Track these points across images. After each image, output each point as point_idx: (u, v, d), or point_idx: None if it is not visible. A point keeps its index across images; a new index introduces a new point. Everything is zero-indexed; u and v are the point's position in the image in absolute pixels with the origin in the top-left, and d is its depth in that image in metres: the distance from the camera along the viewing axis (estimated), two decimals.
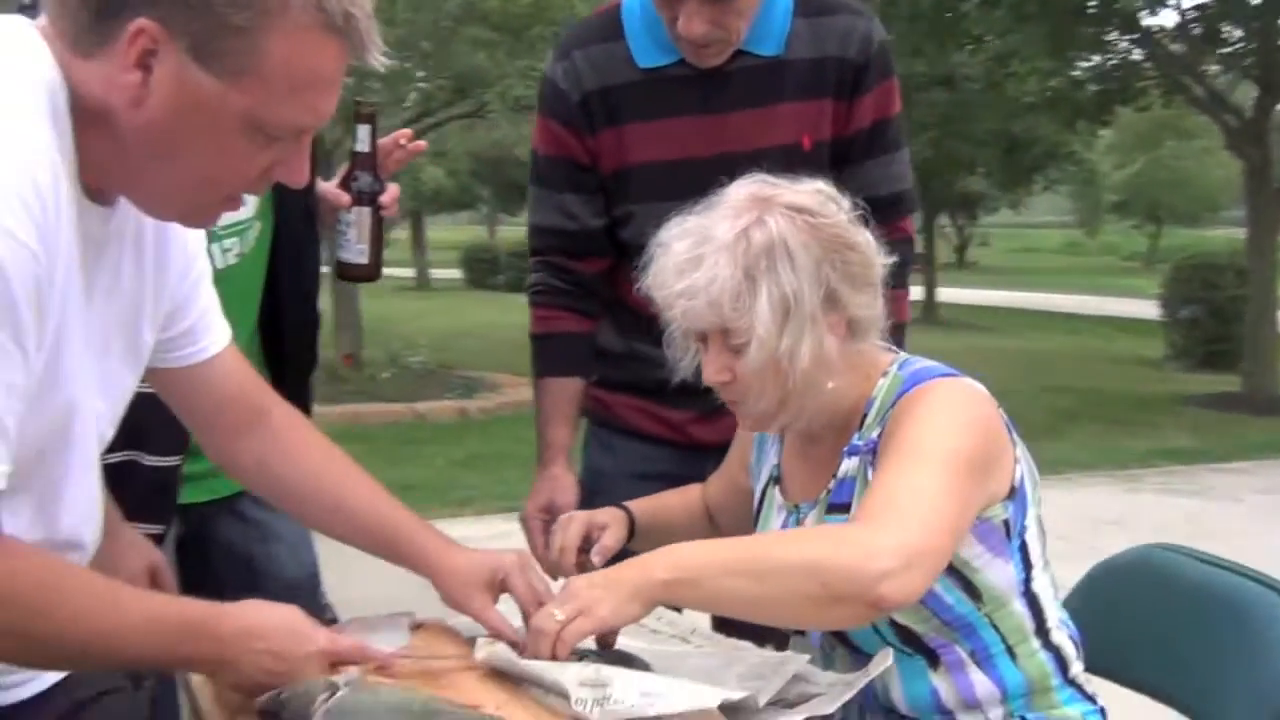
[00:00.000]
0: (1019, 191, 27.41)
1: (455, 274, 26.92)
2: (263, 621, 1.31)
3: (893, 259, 1.61)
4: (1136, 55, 12.12)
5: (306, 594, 1.97)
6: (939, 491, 1.42)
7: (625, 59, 2.04)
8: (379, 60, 1.18)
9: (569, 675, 1.34)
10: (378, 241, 1.96)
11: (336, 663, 1.34)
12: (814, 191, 1.57)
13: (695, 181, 1.95)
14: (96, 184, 1.19)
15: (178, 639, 1.24)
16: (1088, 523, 6.06)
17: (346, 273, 1.97)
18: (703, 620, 1.78)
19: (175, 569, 1.85)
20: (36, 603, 1.14)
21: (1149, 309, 16.74)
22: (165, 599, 1.34)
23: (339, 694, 1.28)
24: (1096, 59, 12.80)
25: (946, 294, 21.83)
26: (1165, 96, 12.39)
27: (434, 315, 16.46)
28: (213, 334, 1.47)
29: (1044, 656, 1.60)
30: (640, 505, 1.86)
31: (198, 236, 1.43)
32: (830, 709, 1.38)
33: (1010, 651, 1.58)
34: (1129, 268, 40.17)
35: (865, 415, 1.59)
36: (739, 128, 2.02)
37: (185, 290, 1.42)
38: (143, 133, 1.13)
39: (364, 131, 1.93)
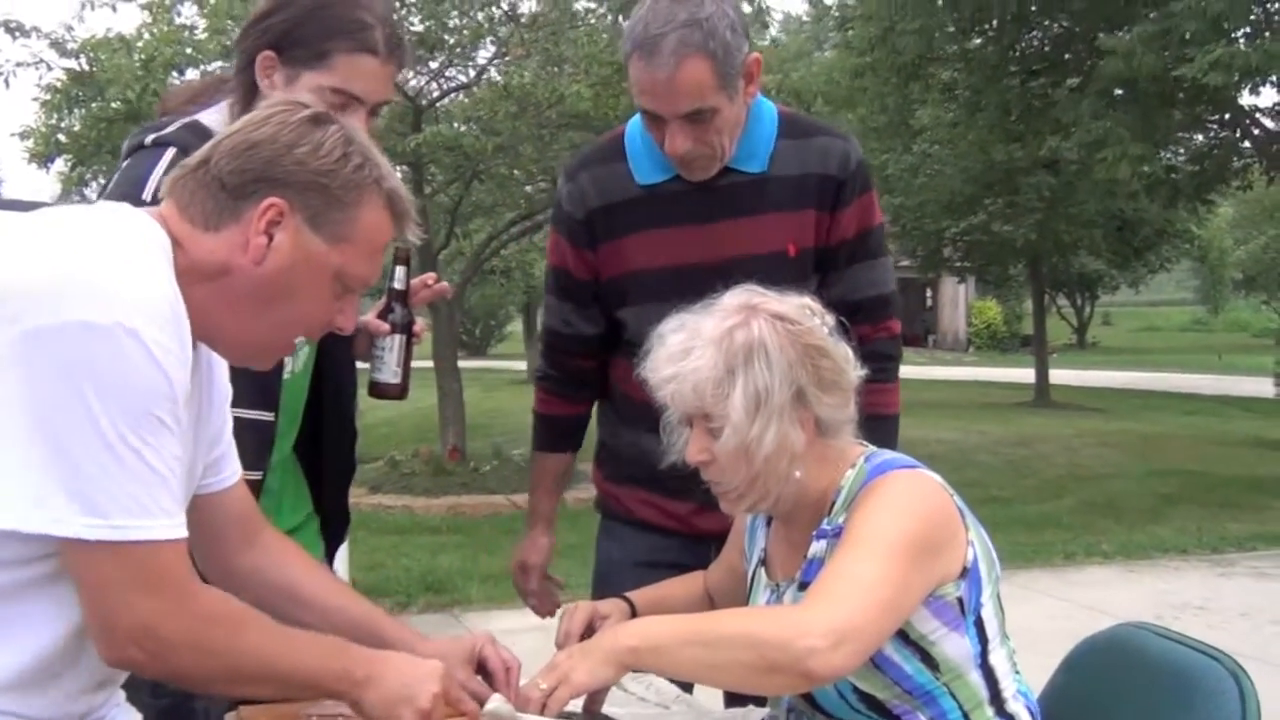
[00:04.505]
0: (1137, 270, 27.07)
1: None
2: (385, 653, 1.63)
3: (862, 373, 1.81)
4: (1234, 134, 12.03)
5: None
6: (875, 575, 1.60)
7: (626, 177, 2.27)
8: (417, 235, 1.60)
9: None
10: (408, 365, 2.23)
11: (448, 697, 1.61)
12: (799, 305, 1.78)
13: (689, 285, 2.17)
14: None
15: (335, 653, 1.55)
16: (1171, 608, 6.01)
17: (380, 391, 2.22)
18: (701, 693, 1.97)
19: None
20: (234, 623, 1.46)
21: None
22: (313, 631, 1.62)
23: None
24: (1200, 138, 12.76)
25: (1062, 375, 21.51)
26: (1267, 174, 12.26)
27: None
28: (232, 465, 1.76)
29: None
30: (642, 596, 2.05)
31: (228, 384, 1.73)
32: None
33: (966, 719, 1.73)
34: (1261, 345, 39.01)
35: (834, 503, 1.78)
36: (728, 236, 2.22)
37: (220, 424, 1.71)
38: (257, 283, 1.48)
39: (401, 271, 2.22)
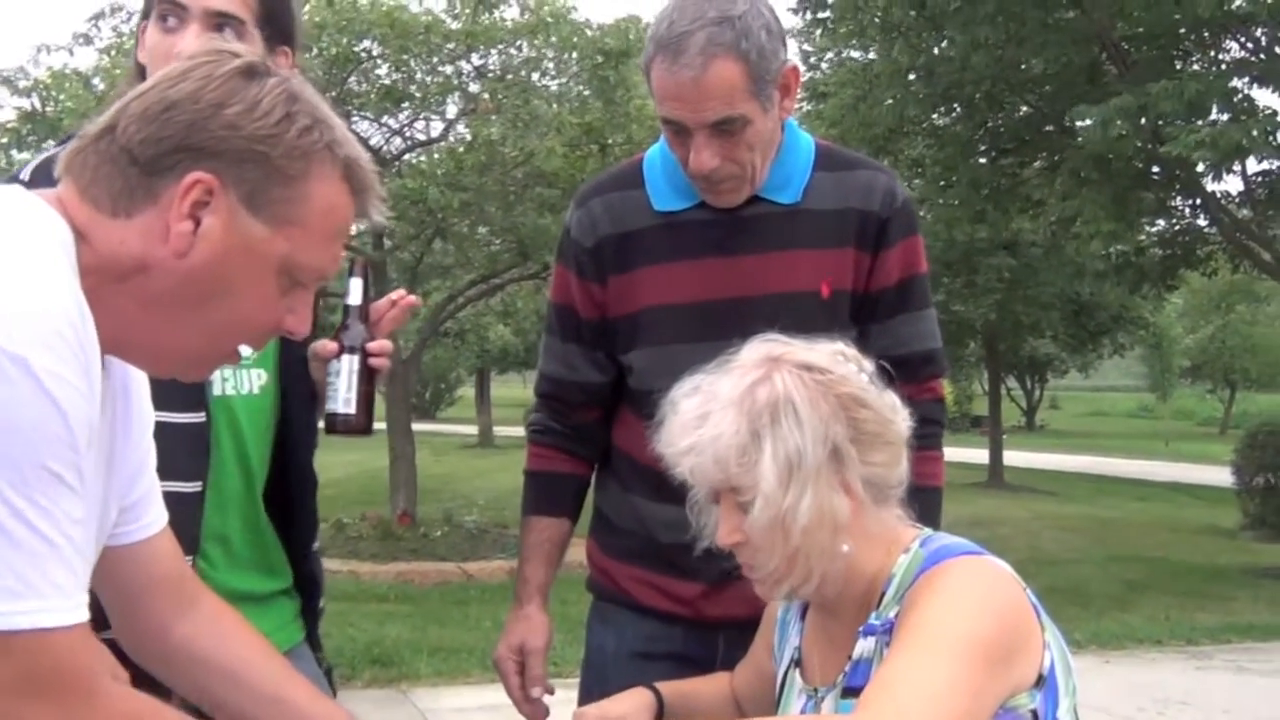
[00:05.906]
0: (1088, 355, 27.32)
1: (520, 431, 27.04)
2: None
3: (913, 424, 1.55)
4: (1201, 220, 12.09)
5: None
6: (945, 683, 1.33)
7: (643, 204, 2.02)
8: (382, 213, 1.27)
9: None
10: (367, 393, 1.88)
11: None
12: (829, 352, 1.53)
13: (708, 325, 1.92)
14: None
15: None
16: (1154, 702, 5.83)
17: (335, 426, 1.88)
18: None
19: None
20: None
21: (1223, 476, 16.38)
22: None
23: None
24: (1161, 224, 12.82)
25: (1013, 457, 21.51)
26: (1232, 261, 12.31)
27: (495, 473, 16.54)
28: (155, 510, 1.44)
29: None
30: (670, 686, 1.78)
31: (150, 409, 1.42)
32: None
33: None
34: (1205, 433, 39.49)
35: (884, 593, 1.52)
36: (754, 271, 1.98)
37: (140, 459, 1.40)
38: (183, 281, 1.18)
39: (357, 284, 1.91)
